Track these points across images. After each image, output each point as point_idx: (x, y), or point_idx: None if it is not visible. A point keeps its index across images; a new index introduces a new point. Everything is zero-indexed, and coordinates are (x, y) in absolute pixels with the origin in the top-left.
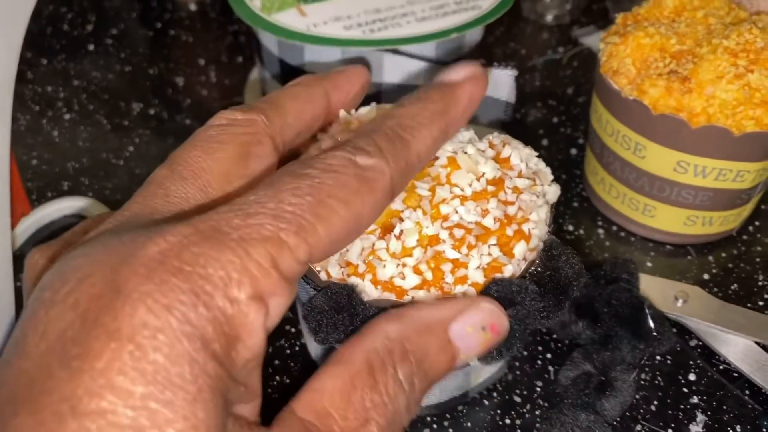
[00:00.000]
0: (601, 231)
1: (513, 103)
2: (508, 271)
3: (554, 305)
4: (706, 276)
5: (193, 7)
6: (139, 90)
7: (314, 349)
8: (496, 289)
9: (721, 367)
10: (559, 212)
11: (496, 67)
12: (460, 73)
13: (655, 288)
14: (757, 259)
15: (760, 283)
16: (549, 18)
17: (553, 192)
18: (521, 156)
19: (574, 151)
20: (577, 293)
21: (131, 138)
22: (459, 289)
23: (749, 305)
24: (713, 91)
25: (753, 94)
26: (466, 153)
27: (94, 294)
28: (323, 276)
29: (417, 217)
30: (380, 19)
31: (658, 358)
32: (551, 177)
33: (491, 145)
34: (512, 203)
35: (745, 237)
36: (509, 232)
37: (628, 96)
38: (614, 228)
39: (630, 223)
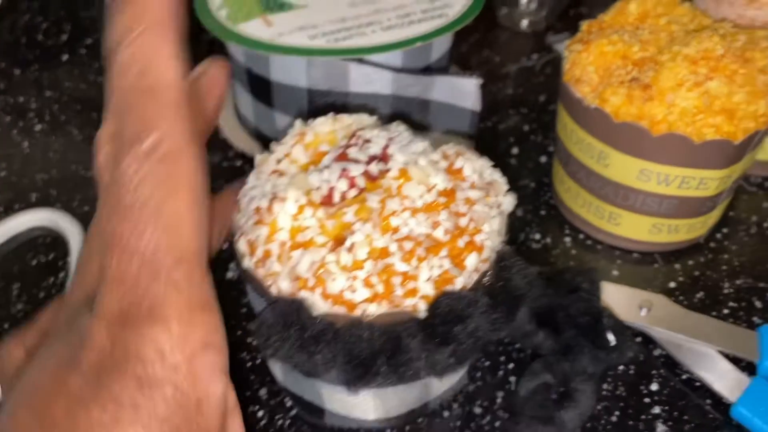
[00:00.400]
0: (568, 239)
1: (478, 111)
2: (459, 283)
3: (506, 317)
4: (672, 284)
5: None
6: None
7: (279, 373)
8: (446, 303)
9: (684, 377)
10: (526, 221)
11: (460, 75)
12: None
13: (619, 297)
14: (724, 267)
15: (725, 291)
16: (524, 24)
17: (509, 202)
18: (474, 167)
19: (544, 158)
20: (530, 304)
21: None
22: (409, 302)
23: (714, 314)
24: (673, 99)
25: (713, 102)
26: (417, 164)
27: (57, 417)
28: (274, 290)
29: (367, 229)
30: (346, 28)
31: (621, 368)
32: (506, 187)
33: (445, 156)
34: (464, 215)
35: (712, 245)
36: (461, 243)
37: (590, 104)
38: (581, 236)
39: (596, 231)
